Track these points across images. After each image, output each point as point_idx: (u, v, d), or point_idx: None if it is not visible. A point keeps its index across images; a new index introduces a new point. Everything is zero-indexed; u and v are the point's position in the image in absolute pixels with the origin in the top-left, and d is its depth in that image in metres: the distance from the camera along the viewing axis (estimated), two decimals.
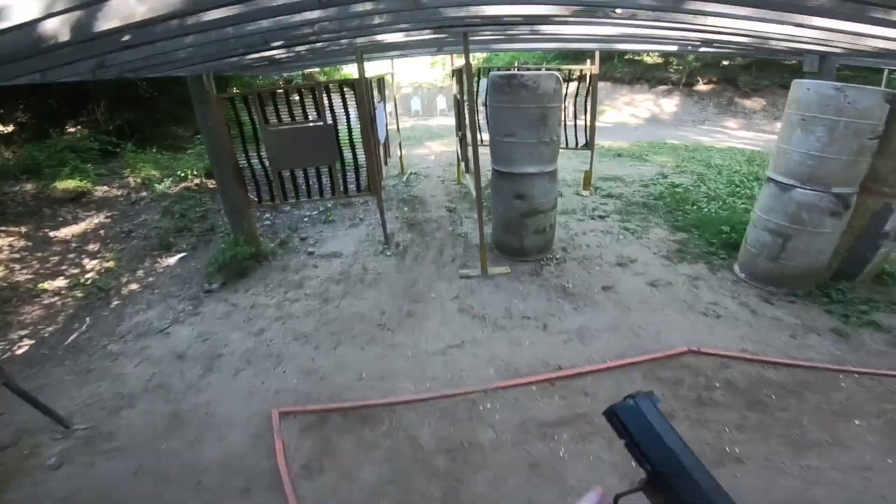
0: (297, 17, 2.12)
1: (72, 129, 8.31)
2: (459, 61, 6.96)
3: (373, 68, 11.59)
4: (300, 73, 10.99)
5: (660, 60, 16.04)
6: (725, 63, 15.42)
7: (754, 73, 15.15)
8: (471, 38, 3.57)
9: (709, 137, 12.63)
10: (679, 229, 5.43)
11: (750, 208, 5.86)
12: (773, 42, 3.82)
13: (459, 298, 4.17)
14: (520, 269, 4.61)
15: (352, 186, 5.02)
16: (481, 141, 5.64)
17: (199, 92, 4.34)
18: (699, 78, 15.95)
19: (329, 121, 4.57)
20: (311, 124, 4.54)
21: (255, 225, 5.28)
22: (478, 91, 6.20)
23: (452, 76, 7.21)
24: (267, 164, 4.67)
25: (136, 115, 8.58)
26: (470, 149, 5.47)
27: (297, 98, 4.51)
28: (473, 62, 7.73)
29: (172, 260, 5.34)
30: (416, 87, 19.68)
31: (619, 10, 2.33)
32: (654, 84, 16.41)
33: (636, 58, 16.07)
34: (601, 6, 2.34)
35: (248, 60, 3.94)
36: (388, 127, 7.68)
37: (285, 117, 4.53)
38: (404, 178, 8.18)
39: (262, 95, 4.41)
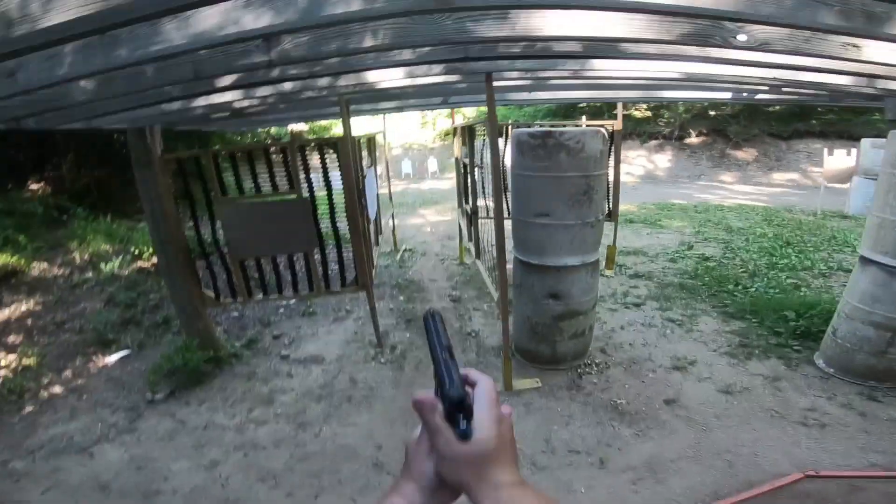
0: (236, 32, 1.26)
1: (34, 186, 7.23)
2: (460, 117, 6.33)
3: (361, 127, 11.17)
4: (286, 129, 10.32)
5: (649, 114, 15.93)
6: (713, 113, 15.31)
7: (743, 123, 15.01)
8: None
9: (711, 194, 12.36)
10: (732, 317, 4.56)
11: (799, 283, 5.17)
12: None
13: None
14: (552, 380, 3.63)
15: (335, 278, 4.06)
16: (487, 213, 4.85)
17: (140, 151, 3.38)
18: (690, 130, 15.85)
19: (305, 193, 3.62)
20: (282, 198, 3.61)
21: (213, 325, 4.28)
22: (472, 153, 5.17)
23: (454, 134, 6.31)
24: (225, 250, 3.71)
25: (105, 171, 7.46)
26: (485, 227, 4.64)
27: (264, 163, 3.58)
28: (459, 120, 6.94)
29: (112, 359, 4.25)
30: (407, 148, 19.41)
31: (741, 38, 1.52)
32: (645, 139, 16.29)
33: (625, 112, 16.02)
34: (719, 29, 1.52)
35: (200, 110, 3.00)
36: (380, 192, 6.89)
37: (251, 187, 3.63)
38: (398, 257, 7.24)
39: (217, 157, 3.47)
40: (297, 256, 3.86)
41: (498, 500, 0.44)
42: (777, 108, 14.10)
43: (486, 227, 4.63)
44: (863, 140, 8.65)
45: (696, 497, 2.43)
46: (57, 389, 3.81)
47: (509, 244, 3.35)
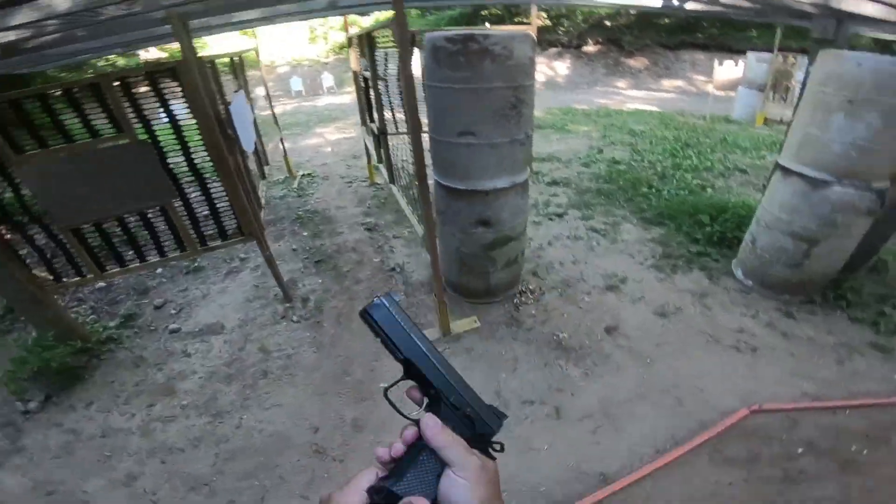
0: None
1: None
2: (354, 28, 5.23)
3: (228, 46, 9.22)
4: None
5: (549, 23, 15.52)
6: (608, 24, 15.46)
7: (636, 33, 15.46)
8: None
9: (609, 100, 12.71)
10: (650, 223, 4.61)
11: (704, 184, 5.37)
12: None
13: None
14: (489, 316, 3.35)
15: (211, 232, 3.18)
16: (397, 128, 4.13)
17: None
18: (588, 39, 15.89)
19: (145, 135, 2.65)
20: (107, 145, 2.59)
21: (65, 311, 3.26)
22: (373, 64, 4.12)
23: (349, 45, 5.18)
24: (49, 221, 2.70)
25: None
26: (397, 146, 3.93)
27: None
28: (354, 31, 5.66)
29: None
30: (295, 64, 17.16)
31: None
32: (545, 47, 15.94)
33: (525, 20, 15.39)
34: None
35: None
36: (258, 117, 5.70)
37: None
38: (295, 184, 6.21)
39: None
40: (155, 213, 2.93)
41: None
42: (666, 20, 14.64)
43: (398, 146, 3.97)
44: (749, 53, 9.25)
45: (656, 443, 2.38)
46: None
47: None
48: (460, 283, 3.46)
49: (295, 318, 3.44)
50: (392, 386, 0.58)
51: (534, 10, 4.76)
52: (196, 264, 4.11)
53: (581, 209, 4.95)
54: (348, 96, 12.84)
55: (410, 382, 0.58)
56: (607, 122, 9.33)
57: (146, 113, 2.62)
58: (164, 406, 2.73)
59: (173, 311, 3.57)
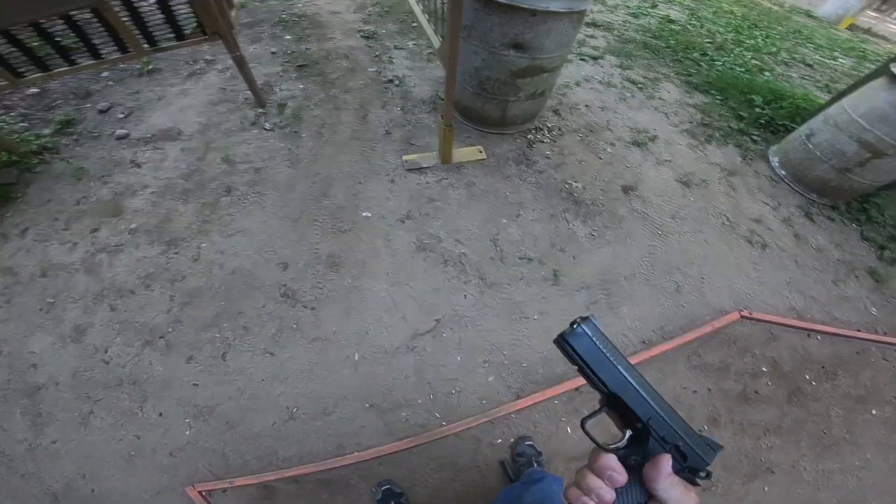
0: None
1: None
2: None
3: None
4: None
5: None
6: None
7: None
8: None
9: None
10: (696, 88, 3.94)
11: (763, 67, 4.62)
12: None
13: (414, 219, 2.47)
14: (498, 149, 2.91)
15: (161, 33, 2.40)
16: None
17: None
18: None
19: None
20: None
21: None
22: None
23: None
24: None
25: None
26: None
27: None
28: None
29: None
30: None
31: None
32: None
33: None
34: None
35: None
36: None
37: None
38: None
39: None
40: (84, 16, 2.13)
41: None
42: None
43: None
44: None
45: (644, 332, 2.22)
46: None
47: None
48: (471, 107, 2.92)
49: (268, 126, 2.89)
50: (590, 418, 0.52)
51: None
52: (150, 66, 3.31)
53: (620, 57, 4.17)
54: None
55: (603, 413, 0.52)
56: None
57: None
58: (110, 231, 2.31)
59: (121, 116, 2.92)
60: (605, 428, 0.61)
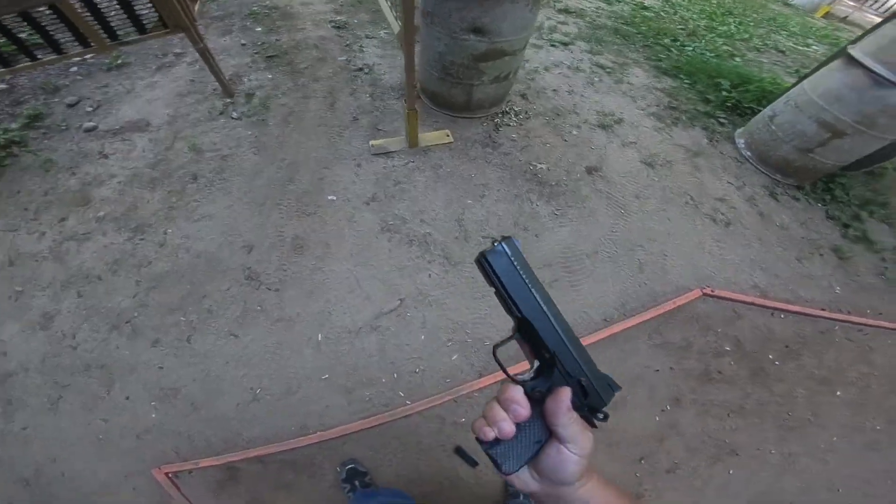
0: None
1: None
2: None
3: None
4: None
5: None
6: None
7: None
8: None
9: None
10: (664, 73, 3.99)
11: (734, 53, 4.68)
12: None
13: (379, 201, 2.51)
14: (465, 132, 2.95)
15: (122, 27, 2.39)
16: None
17: None
18: None
19: None
20: None
21: None
22: None
23: None
24: None
25: None
26: None
27: None
28: None
29: None
30: None
31: None
32: None
33: None
34: None
35: None
36: None
37: None
38: None
39: None
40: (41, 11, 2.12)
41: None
42: None
43: None
44: None
45: (606, 310, 2.26)
46: None
47: None
48: (438, 92, 2.95)
49: (235, 115, 2.91)
50: (502, 345, 0.52)
51: None
52: (119, 60, 3.30)
53: (590, 42, 4.21)
54: None
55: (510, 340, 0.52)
56: None
57: None
58: (77, 219, 2.34)
59: (89, 109, 2.92)
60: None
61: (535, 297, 0.48)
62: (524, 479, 0.49)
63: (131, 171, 2.56)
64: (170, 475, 1.68)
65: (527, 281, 0.47)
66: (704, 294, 2.37)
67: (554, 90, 3.47)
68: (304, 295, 2.12)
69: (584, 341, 2.06)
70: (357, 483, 1.66)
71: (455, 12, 2.36)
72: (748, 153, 3.25)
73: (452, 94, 2.87)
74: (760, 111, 3.29)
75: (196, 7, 2.97)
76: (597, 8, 5.10)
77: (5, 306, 2.04)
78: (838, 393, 2.19)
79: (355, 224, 2.39)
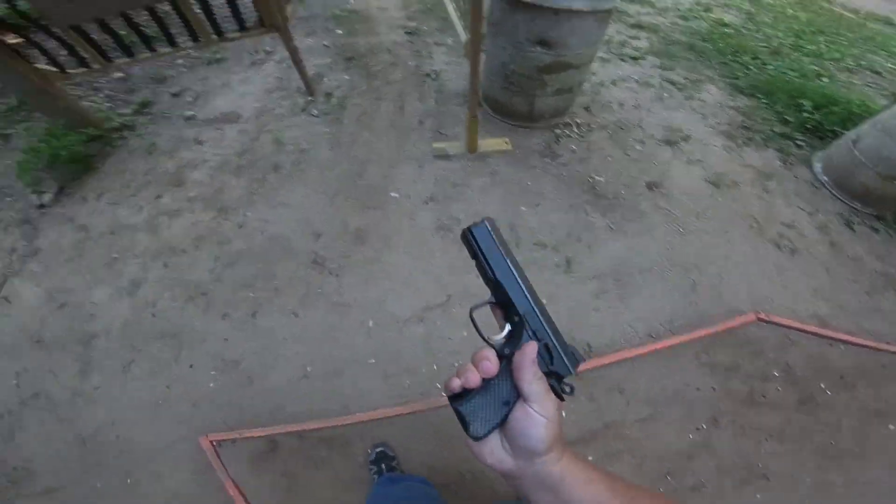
0: None
1: None
2: None
3: None
4: None
5: None
6: None
7: None
8: None
9: None
10: (740, 91, 3.84)
11: (822, 73, 4.37)
12: None
13: (437, 202, 2.64)
14: (524, 142, 3.02)
15: (227, 24, 2.73)
16: None
17: None
18: None
19: None
20: None
21: (74, 100, 2.93)
22: None
23: None
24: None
25: None
26: None
27: None
28: None
29: None
30: None
31: None
32: None
33: None
34: None
35: None
36: None
37: None
38: None
39: None
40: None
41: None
42: None
43: None
44: None
45: (651, 325, 2.23)
46: None
47: None
48: (501, 101, 3.05)
49: (315, 112, 3.16)
50: (479, 307, 0.57)
51: None
52: (218, 56, 3.70)
53: (662, 57, 4.14)
54: None
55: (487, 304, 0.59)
56: None
57: None
58: (171, 198, 2.63)
59: (190, 99, 3.30)
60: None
61: (507, 264, 0.54)
62: (498, 455, 0.49)
63: (221, 158, 2.86)
64: (214, 444, 1.78)
65: (502, 251, 0.55)
66: (759, 319, 2.28)
67: (620, 104, 3.46)
68: (362, 282, 2.28)
69: (626, 354, 2.11)
70: (383, 466, 1.71)
71: (522, 24, 2.46)
72: (825, 178, 3.07)
73: (514, 102, 2.96)
74: (844, 134, 3.10)
75: (289, 9, 3.27)
76: (672, 23, 4.98)
77: (101, 272, 2.32)
78: (891, 426, 2.07)
79: (413, 221, 2.53)
